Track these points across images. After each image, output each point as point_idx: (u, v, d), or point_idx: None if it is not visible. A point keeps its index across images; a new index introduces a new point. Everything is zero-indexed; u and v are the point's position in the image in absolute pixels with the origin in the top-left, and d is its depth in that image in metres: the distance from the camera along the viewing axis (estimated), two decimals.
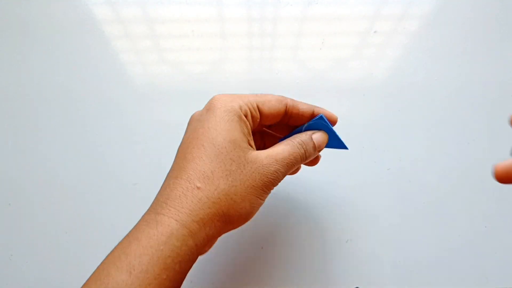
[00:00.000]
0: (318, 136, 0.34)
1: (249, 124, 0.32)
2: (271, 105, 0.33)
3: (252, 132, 0.33)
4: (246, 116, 0.31)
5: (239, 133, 0.30)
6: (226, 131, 0.30)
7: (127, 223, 0.46)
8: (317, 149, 0.34)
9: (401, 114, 0.48)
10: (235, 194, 0.29)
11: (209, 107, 0.31)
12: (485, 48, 0.50)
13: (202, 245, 0.29)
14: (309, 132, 0.34)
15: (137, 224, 0.29)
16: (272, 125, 0.37)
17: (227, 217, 0.29)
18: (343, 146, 0.36)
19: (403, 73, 0.49)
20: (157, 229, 0.27)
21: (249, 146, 0.31)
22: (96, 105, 0.49)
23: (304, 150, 0.32)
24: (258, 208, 0.31)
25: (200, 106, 0.51)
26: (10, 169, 0.47)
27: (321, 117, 0.35)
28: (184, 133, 0.33)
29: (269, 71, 0.50)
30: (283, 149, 0.31)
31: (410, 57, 0.50)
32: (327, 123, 0.35)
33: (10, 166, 0.47)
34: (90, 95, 0.49)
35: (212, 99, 0.32)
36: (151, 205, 0.30)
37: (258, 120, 0.33)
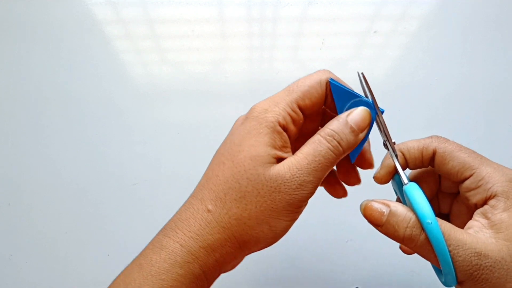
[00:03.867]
0: (356, 115, 0.27)
1: (289, 132, 0.28)
2: (311, 95, 0.28)
3: (300, 130, 0.29)
4: (284, 126, 0.27)
5: (265, 148, 0.26)
6: (250, 146, 0.26)
7: (126, 223, 0.46)
8: (359, 130, 0.27)
9: (401, 113, 0.48)
10: (248, 219, 0.26)
11: (246, 117, 0.28)
12: (485, 48, 0.50)
13: (213, 272, 0.26)
14: (343, 115, 0.27)
15: (146, 246, 0.27)
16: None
17: (241, 242, 0.26)
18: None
19: (403, 73, 0.49)
20: (160, 256, 0.25)
21: (274, 161, 0.26)
22: (96, 105, 0.49)
23: (338, 141, 0.26)
24: (285, 230, 0.27)
25: (200, 106, 0.51)
26: (10, 169, 0.47)
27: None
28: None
29: (269, 71, 0.50)
30: (306, 152, 0.26)
31: (410, 57, 0.50)
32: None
33: (10, 166, 0.47)
34: (90, 95, 0.49)
35: (252, 107, 0.28)
36: (165, 224, 0.28)
37: (301, 120, 0.28)
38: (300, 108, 0.28)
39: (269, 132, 0.26)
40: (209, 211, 0.26)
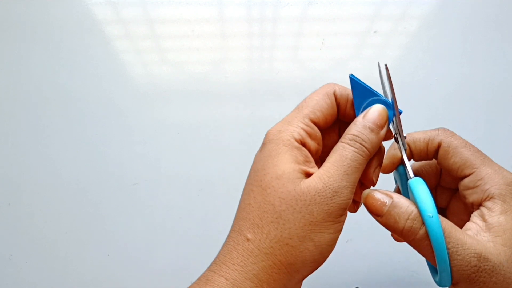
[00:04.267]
0: (372, 114, 0.27)
1: (308, 147, 0.27)
2: (321, 107, 0.28)
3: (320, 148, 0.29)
4: (302, 141, 0.27)
5: (289, 165, 0.26)
6: (273, 167, 0.26)
7: (126, 223, 0.46)
8: (378, 128, 0.27)
9: (401, 113, 0.48)
10: (290, 238, 0.25)
11: (263, 143, 0.28)
12: (485, 48, 0.50)
13: None
14: (359, 117, 0.27)
15: (192, 283, 0.27)
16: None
17: (288, 266, 0.25)
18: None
19: (403, 73, 0.49)
20: None
21: (302, 176, 0.26)
22: (96, 105, 0.49)
23: (360, 143, 0.26)
24: (330, 244, 0.26)
25: (200, 106, 0.51)
26: (10, 169, 0.47)
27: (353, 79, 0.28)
28: None
29: (269, 71, 0.50)
30: (333, 160, 0.26)
31: (410, 57, 0.50)
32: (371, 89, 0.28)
33: (10, 166, 0.47)
34: (90, 95, 0.49)
35: (266, 133, 0.28)
36: (211, 263, 0.27)
37: (319, 135, 0.28)
38: (313, 122, 0.28)
39: (288, 150, 0.26)
40: (248, 240, 0.25)
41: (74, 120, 0.48)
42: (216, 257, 0.26)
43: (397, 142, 0.29)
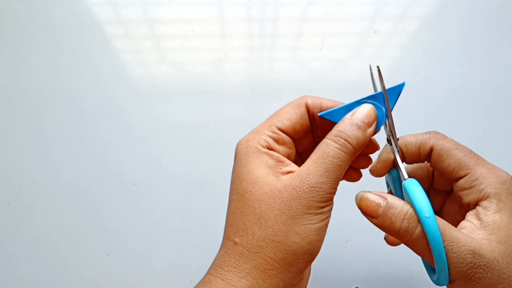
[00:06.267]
0: (359, 113, 0.27)
1: (277, 151, 0.28)
2: (289, 116, 0.29)
3: (297, 151, 0.30)
4: (268, 147, 0.28)
5: (262, 169, 0.27)
6: (247, 174, 0.27)
7: (126, 223, 0.46)
8: (366, 126, 0.27)
9: (401, 113, 0.48)
10: (275, 235, 0.25)
11: (234, 156, 0.29)
12: (485, 48, 0.50)
13: None
14: (347, 116, 0.28)
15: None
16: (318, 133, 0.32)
17: (280, 261, 0.26)
18: (399, 88, 0.29)
19: (403, 73, 0.49)
20: None
21: (278, 176, 0.27)
22: (96, 105, 0.49)
23: (345, 139, 0.26)
24: (317, 234, 0.26)
25: (200, 106, 0.51)
26: (10, 169, 0.47)
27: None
28: None
29: (269, 71, 0.50)
30: (314, 157, 0.26)
31: (410, 57, 0.50)
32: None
33: (10, 166, 0.47)
34: (90, 95, 0.49)
35: (236, 146, 0.30)
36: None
37: (287, 140, 0.29)
38: (281, 130, 0.29)
39: (257, 156, 0.27)
40: (236, 243, 0.26)
41: (74, 120, 0.48)
42: (212, 263, 0.27)
43: (390, 144, 0.29)
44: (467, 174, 0.27)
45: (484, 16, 0.51)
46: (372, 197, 0.26)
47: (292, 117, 0.29)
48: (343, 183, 0.47)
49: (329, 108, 0.29)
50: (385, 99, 0.28)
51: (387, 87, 0.28)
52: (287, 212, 0.25)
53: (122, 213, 0.46)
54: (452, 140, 0.29)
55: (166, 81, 0.49)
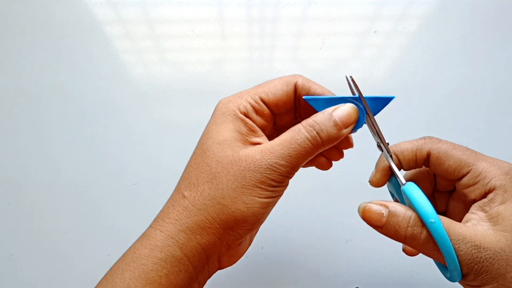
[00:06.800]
0: (341, 111, 0.27)
1: (254, 121, 0.29)
2: (275, 91, 0.29)
3: (273, 124, 0.31)
4: (246, 114, 0.29)
5: (231, 133, 0.28)
6: (216, 133, 0.28)
7: (126, 223, 0.46)
8: (342, 126, 0.27)
9: (401, 114, 0.48)
10: (222, 198, 0.26)
11: (213, 111, 0.30)
12: (485, 48, 0.50)
13: (197, 257, 0.27)
14: (329, 109, 0.28)
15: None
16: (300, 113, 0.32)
17: (221, 223, 0.27)
18: (387, 99, 0.29)
19: (403, 73, 0.49)
20: (142, 243, 0.27)
21: (244, 145, 0.28)
22: (96, 105, 0.49)
23: (317, 132, 0.27)
24: (262, 208, 0.27)
25: (200, 106, 0.51)
26: (10, 169, 0.47)
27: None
28: None
29: (269, 71, 0.50)
30: (283, 138, 0.27)
31: (410, 57, 0.50)
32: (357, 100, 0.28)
33: (10, 166, 0.47)
34: (90, 95, 0.49)
35: (217, 103, 0.30)
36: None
37: (267, 112, 0.30)
38: (264, 102, 0.29)
39: (232, 120, 0.28)
40: (184, 197, 0.27)
41: (74, 120, 0.48)
42: (157, 216, 0.28)
43: (381, 150, 0.29)
44: (469, 171, 0.27)
45: (484, 16, 0.51)
46: (374, 207, 0.26)
47: (278, 92, 0.29)
48: (342, 184, 0.48)
49: (316, 95, 0.29)
50: (364, 105, 0.28)
51: (383, 94, 0.29)
52: (240, 180, 0.26)
53: (122, 213, 0.46)
54: (448, 141, 0.29)
55: (166, 81, 0.49)
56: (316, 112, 0.28)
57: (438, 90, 0.49)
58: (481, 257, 0.24)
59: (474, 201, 0.27)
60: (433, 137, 0.30)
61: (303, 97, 0.29)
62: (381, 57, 0.50)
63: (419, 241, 0.25)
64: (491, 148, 0.47)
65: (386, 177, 0.30)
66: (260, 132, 0.29)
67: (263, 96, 0.29)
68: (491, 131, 0.47)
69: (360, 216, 0.27)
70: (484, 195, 0.27)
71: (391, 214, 0.26)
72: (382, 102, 0.29)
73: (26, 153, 0.47)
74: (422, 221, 0.25)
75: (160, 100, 0.49)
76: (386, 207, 0.26)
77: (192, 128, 0.49)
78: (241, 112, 0.28)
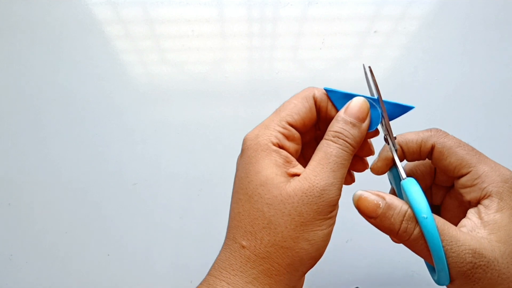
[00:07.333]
0: (352, 108, 0.27)
1: (287, 149, 0.28)
2: (298, 110, 0.28)
3: (303, 144, 0.29)
4: (279, 145, 0.27)
5: (270, 170, 0.26)
6: (256, 174, 0.26)
7: (126, 223, 0.46)
8: (360, 121, 0.27)
9: (413, 109, 0.48)
10: (284, 241, 0.25)
11: (242, 151, 0.28)
12: (485, 48, 0.50)
13: None
14: (340, 113, 0.27)
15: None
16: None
17: (287, 267, 0.25)
18: (406, 108, 0.28)
19: (403, 73, 0.49)
20: None
21: (285, 179, 0.26)
22: (96, 105, 0.49)
23: (343, 139, 0.26)
24: (325, 240, 0.26)
25: (200, 106, 0.51)
26: (10, 169, 0.47)
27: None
28: None
29: (269, 71, 0.50)
30: (318, 159, 0.26)
31: (410, 57, 0.50)
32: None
33: (10, 166, 0.47)
34: (90, 95, 0.49)
35: (244, 138, 0.29)
36: (209, 270, 0.28)
37: (297, 136, 0.28)
38: (291, 125, 0.28)
39: (267, 155, 0.26)
40: (243, 247, 0.26)
41: (74, 120, 0.48)
42: (215, 263, 0.27)
43: (387, 143, 0.29)
44: (469, 172, 0.27)
45: (484, 16, 0.51)
46: (371, 197, 0.26)
47: (301, 111, 0.28)
48: (343, 187, 0.47)
49: (334, 103, 0.28)
50: (380, 98, 0.28)
51: (398, 100, 0.28)
52: (297, 218, 0.25)
53: (122, 213, 0.46)
54: (454, 137, 0.29)
55: (166, 81, 0.49)
56: (332, 103, 0.28)
57: (438, 90, 0.49)
58: (475, 263, 0.24)
59: (469, 202, 0.27)
60: (440, 130, 0.29)
61: (324, 87, 0.28)
62: (381, 57, 0.50)
63: (410, 237, 0.25)
64: (491, 148, 0.47)
65: (387, 167, 0.30)
66: (295, 161, 0.28)
67: (289, 119, 0.28)
68: (491, 131, 0.47)
69: (354, 204, 0.27)
70: (480, 199, 0.27)
71: (388, 206, 0.25)
72: (401, 109, 0.28)
73: (26, 153, 0.47)
74: (416, 217, 0.25)
75: (160, 100, 0.49)
76: (383, 198, 0.26)
77: (192, 128, 0.49)
78: (274, 144, 0.27)
